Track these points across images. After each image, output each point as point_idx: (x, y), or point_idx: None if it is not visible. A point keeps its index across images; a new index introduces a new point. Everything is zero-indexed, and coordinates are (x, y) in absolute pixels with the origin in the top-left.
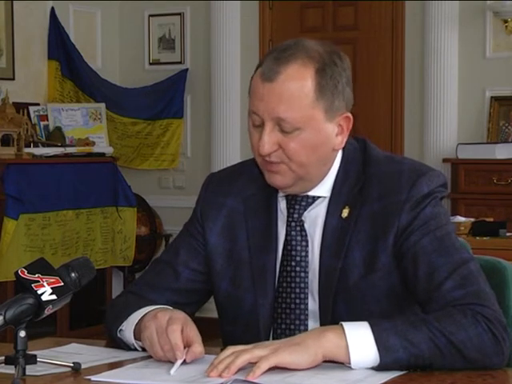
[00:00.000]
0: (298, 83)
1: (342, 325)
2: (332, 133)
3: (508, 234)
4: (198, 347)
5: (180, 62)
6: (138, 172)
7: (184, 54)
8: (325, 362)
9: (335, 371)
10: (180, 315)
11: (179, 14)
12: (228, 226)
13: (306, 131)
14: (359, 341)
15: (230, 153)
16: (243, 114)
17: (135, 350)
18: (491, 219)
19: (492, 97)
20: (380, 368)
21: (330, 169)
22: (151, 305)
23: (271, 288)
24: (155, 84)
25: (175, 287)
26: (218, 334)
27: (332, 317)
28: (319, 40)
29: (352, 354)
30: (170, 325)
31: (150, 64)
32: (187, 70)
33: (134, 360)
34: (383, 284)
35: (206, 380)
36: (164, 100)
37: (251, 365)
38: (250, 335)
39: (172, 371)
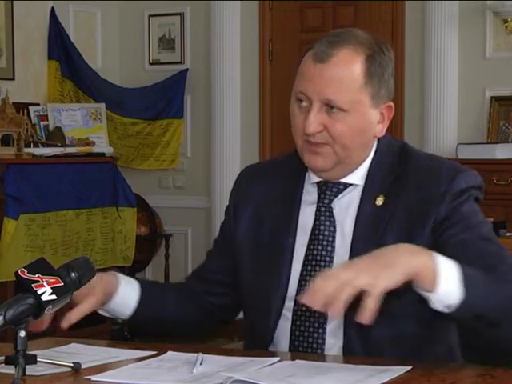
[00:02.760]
0: (348, 67)
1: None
2: (375, 119)
3: (508, 234)
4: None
5: (180, 62)
6: (138, 172)
7: (184, 54)
8: (325, 362)
9: (335, 371)
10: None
11: (179, 14)
12: (256, 213)
13: (352, 114)
14: (448, 272)
15: (230, 153)
16: (243, 114)
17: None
18: (491, 219)
19: (492, 97)
20: (456, 307)
21: (367, 156)
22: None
23: (286, 270)
24: (155, 84)
25: (204, 276)
26: (220, 335)
27: (359, 300)
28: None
29: (440, 280)
30: None
31: (150, 64)
32: (187, 70)
33: (134, 360)
34: None
35: (206, 380)
36: (164, 100)
37: (250, 365)
38: (262, 316)
39: (194, 370)
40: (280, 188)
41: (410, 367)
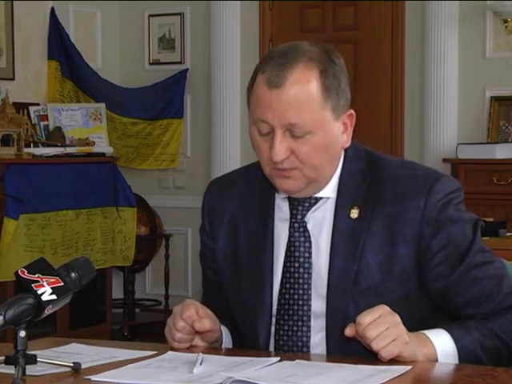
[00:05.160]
0: (305, 87)
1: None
2: (339, 132)
3: (508, 234)
4: (206, 322)
5: (180, 62)
6: (138, 172)
7: (184, 54)
8: (325, 362)
9: (335, 371)
10: (193, 301)
11: (179, 14)
12: (231, 231)
13: (317, 134)
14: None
15: (229, 153)
16: (243, 114)
17: None
18: (491, 219)
19: (492, 97)
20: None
21: (336, 169)
22: None
23: (268, 288)
24: (155, 84)
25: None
26: None
27: (343, 319)
28: (312, 41)
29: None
30: (184, 305)
31: (150, 64)
32: (187, 70)
33: (134, 360)
34: (400, 289)
35: (206, 380)
36: (164, 100)
37: (250, 365)
38: (250, 336)
39: (195, 370)
40: (252, 203)
41: (409, 367)
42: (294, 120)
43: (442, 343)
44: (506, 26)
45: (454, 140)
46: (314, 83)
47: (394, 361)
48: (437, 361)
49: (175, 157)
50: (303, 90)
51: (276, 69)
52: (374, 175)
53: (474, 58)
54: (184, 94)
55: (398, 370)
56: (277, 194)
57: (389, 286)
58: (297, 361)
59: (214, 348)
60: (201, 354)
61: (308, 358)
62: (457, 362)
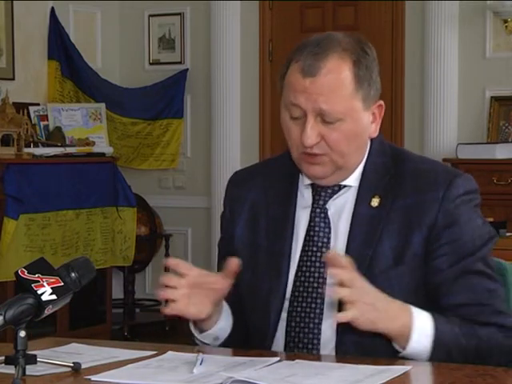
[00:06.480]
0: (338, 76)
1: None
2: (368, 121)
3: (508, 234)
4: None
5: (180, 62)
6: (138, 172)
7: (184, 54)
8: (325, 362)
9: (335, 371)
10: None
11: (179, 14)
12: (251, 218)
13: (347, 121)
14: (421, 335)
15: (230, 153)
16: (243, 114)
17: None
18: (491, 219)
19: (492, 97)
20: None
21: (363, 158)
22: None
23: (285, 272)
24: (155, 84)
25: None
26: None
27: None
28: (344, 32)
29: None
30: None
31: (150, 64)
32: (187, 70)
33: (134, 360)
34: (410, 277)
35: (206, 380)
36: (164, 100)
37: (250, 365)
38: (261, 318)
39: (195, 370)
40: (274, 191)
41: (410, 367)
42: (325, 106)
43: (422, 320)
44: (506, 26)
45: (454, 140)
46: (347, 73)
47: (393, 359)
48: (410, 330)
49: (175, 157)
50: (336, 78)
51: (310, 58)
52: (396, 169)
53: (474, 58)
54: (184, 94)
55: (398, 370)
56: (300, 181)
57: (400, 272)
58: (296, 361)
59: (214, 348)
60: (201, 354)
61: (308, 358)
62: (428, 346)
